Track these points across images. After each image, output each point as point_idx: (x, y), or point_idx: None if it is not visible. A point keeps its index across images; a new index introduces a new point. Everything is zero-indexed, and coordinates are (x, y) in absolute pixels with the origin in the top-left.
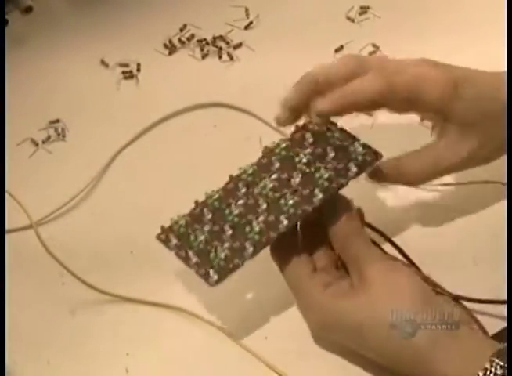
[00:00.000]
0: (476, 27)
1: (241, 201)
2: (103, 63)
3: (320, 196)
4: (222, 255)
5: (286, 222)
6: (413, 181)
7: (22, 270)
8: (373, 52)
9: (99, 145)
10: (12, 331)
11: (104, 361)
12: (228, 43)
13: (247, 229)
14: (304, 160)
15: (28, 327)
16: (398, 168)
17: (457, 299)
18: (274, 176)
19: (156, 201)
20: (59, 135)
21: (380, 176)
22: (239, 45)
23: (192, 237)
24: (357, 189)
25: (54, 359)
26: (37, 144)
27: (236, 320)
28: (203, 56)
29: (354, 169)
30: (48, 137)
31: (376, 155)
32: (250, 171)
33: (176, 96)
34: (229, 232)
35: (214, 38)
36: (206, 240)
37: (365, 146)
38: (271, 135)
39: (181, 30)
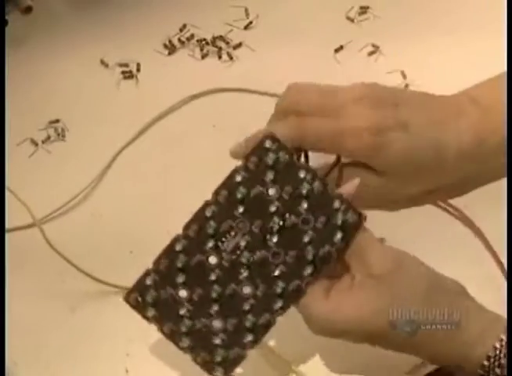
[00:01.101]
0: (476, 27)
1: (214, 260)
2: (103, 63)
3: (311, 270)
4: (219, 342)
5: (281, 303)
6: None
7: (23, 269)
8: (373, 52)
9: (98, 145)
10: (12, 331)
11: (104, 361)
12: (227, 43)
13: (236, 306)
14: (273, 209)
15: (28, 326)
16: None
17: None
18: (243, 227)
19: (157, 201)
20: (58, 135)
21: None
22: (239, 45)
23: (170, 309)
24: None
25: (54, 359)
26: (36, 144)
27: None
28: (203, 56)
29: (339, 235)
30: (48, 137)
31: (360, 218)
32: (210, 213)
33: (176, 96)
34: (216, 307)
35: (214, 38)
36: (189, 312)
37: (342, 200)
38: None
39: (180, 30)
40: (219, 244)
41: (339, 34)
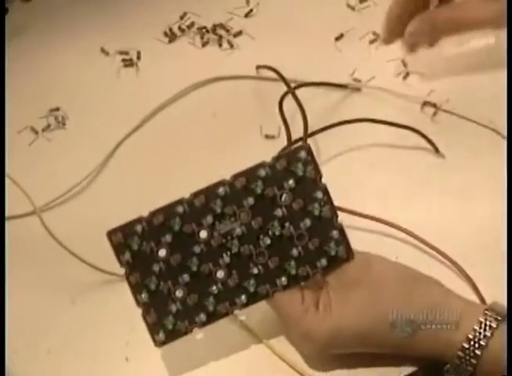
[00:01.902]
0: None
1: (204, 235)
2: (103, 51)
3: (285, 282)
4: (174, 310)
5: (244, 300)
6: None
7: (23, 258)
8: (374, 40)
9: (99, 133)
10: (12, 320)
11: (104, 350)
12: (228, 31)
13: (204, 285)
14: (278, 214)
15: (28, 314)
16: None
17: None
18: (244, 218)
19: (158, 190)
20: (59, 123)
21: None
22: (240, 32)
23: (145, 261)
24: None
25: (54, 349)
26: (37, 132)
27: None
28: (204, 44)
29: (324, 262)
30: (48, 125)
31: (348, 255)
32: (222, 192)
33: (176, 84)
34: (187, 278)
35: (215, 26)
36: (160, 271)
37: (341, 232)
38: (271, 123)
39: (181, 18)
40: (216, 223)
41: (340, 22)
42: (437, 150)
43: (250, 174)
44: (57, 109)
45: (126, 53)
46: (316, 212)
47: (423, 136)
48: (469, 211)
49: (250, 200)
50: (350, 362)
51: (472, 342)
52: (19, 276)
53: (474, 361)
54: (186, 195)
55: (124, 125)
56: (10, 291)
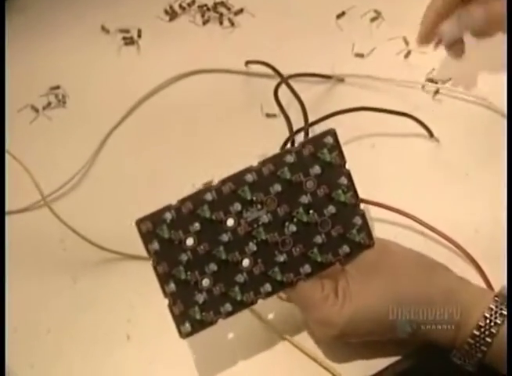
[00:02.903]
0: None
1: (231, 223)
2: (104, 29)
3: (308, 270)
4: (200, 300)
5: (269, 288)
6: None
7: (23, 236)
8: (375, 18)
9: (99, 111)
10: (13, 299)
11: (105, 327)
12: (229, 9)
13: (230, 274)
14: (304, 200)
15: (29, 294)
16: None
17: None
18: (271, 205)
19: (158, 170)
20: (59, 101)
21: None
22: (240, 11)
23: (173, 251)
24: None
25: (55, 327)
26: (37, 110)
27: None
28: (204, 22)
29: (346, 249)
30: (49, 103)
31: (370, 241)
32: (250, 179)
33: (177, 62)
34: (213, 267)
35: (215, 4)
36: (188, 261)
37: (363, 218)
38: (272, 102)
39: None
40: (244, 211)
41: None
42: (431, 135)
43: (277, 160)
44: (57, 87)
45: (127, 31)
46: (341, 199)
47: (419, 122)
48: (470, 194)
49: (277, 187)
50: (357, 348)
51: (483, 330)
52: (20, 255)
53: (484, 348)
54: (191, 173)
55: (125, 104)
56: (11, 270)
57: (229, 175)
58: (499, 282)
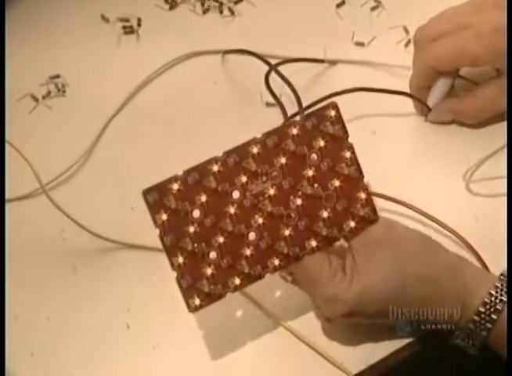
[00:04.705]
0: None
1: (237, 195)
2: (104, 18)
3: (314, 244)
4: (208, 273)
5: (276, 262)
6: (469, 121)
7: (23, 225)
8: (375, 7)
9: (99, 100)
10: (12, 287)
11: (105, 317)
12: None
13: (237, 247)
14: (308, 173)
15: (29, 281)
16: (455, 110)
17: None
18: (275, 178)
19: (159, 156)
20: (59, 90)
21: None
22: (241, 0)
23: (179, 222)
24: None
25: (54, 316)
26: (37, 99)
27: None
28: (204, 11)
29: (351, 224)
30: (49, 92)
31: (374, 216)
32: (255, 150)
33: (177, 52)
34: (220, 239)
35: None
36: (195, 233)
37: (367, 193)
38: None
39: None
40: (249, 183)
41: None
42: (429, 109)
43: (281, 133)
44: (57, 76)
45: (126, 20)
46: (345, 172)
47: (416, 99)
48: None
49: (282, 159)
50: (359, 335)
51: (488, 306)
52: (20, 244)
53: (489, 325)
54: (190, 160)
55: (125, 92)
56: (11, 258)
57: (234, 147)
58: (499, 271)
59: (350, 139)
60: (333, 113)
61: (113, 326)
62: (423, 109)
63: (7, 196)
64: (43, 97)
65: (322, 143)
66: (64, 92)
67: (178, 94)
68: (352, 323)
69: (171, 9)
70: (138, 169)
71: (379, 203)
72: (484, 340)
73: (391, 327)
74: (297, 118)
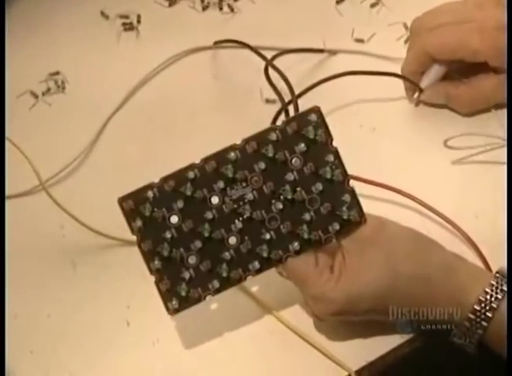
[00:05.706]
0: None
1: (216, 201)
2: (103, 14)
3: (297, 247)
4: (187, 277)
5: (258, 266)
6: (460, 109)
7: (23, 222)
8: (375, 4)
9: (99, 97)
10: (12, 285)
11: (105, 314)
12: None
13: (217, 251)
14: (290, 178)
15: (29, 279)
16: (448, 95)
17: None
18: (256, 183)
19: (159, 153)
20: (58, 87)
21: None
22: None
23: (157, 228)
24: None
25: (54, 313)
26: (37, 96)
27: None
28: (204, 8)
29: (336, 226)
30: (48, 89)
31: (361, 218)
32: (233, 157)
33: (177, 48)
34: (199, 244)
35: None
36: (172, 238)
37: (353, 195)
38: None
39: None
40: (228, 188)
41: None
42: (421, 90)
43: (260, 138)
44: (57, 73)
45: (126, 17)
46: (328, 176)
47: (406, 79)
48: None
49: (262, 165)
50: (359, 332)
51: (483, 305)
52: (19, 241)
53: (484, 324)
54: (190, 157)
55: (124, 89)
56: (10, 255)
57: (212, 153)
58: (498, 266)
59: (342, 130)
60: (314, 117)
61: (113, 323)
62: (415, 91)
63: (7, 192)
64: (43, 94)
65: (304, 148)
66: (64, 88)
67: (177, 90)
68: (342, 321)
69: (170, 5)
70: (138, 166)
71: (376, 192)
72: (480, 338)
73: (390, 324)
74: (279, 123)
